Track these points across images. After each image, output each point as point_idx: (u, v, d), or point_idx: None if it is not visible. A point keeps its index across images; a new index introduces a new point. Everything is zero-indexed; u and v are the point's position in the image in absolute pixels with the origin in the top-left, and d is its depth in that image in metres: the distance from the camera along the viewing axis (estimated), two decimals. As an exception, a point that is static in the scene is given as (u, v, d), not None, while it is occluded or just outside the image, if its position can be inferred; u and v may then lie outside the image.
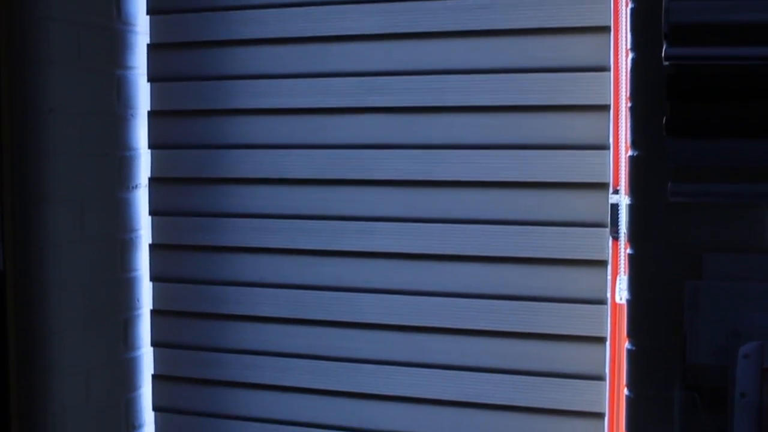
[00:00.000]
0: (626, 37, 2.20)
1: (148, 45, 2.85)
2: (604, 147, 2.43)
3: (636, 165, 2.12)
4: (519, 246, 2.52)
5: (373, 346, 2.67)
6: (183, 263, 2.86)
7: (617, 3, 2.38)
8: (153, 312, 2.91)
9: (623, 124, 2.32)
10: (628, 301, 2.16)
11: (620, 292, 2.34)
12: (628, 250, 2.14)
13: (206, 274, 2.83)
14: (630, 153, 2.13)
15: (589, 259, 2.47)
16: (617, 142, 2.38)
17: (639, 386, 2.15)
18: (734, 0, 1.95)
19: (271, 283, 2.76)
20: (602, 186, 2.44)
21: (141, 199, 2.88)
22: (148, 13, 2.85)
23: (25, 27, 2.54)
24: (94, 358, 2.73)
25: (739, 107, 1.97)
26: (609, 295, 2.44)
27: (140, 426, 2.91)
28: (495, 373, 2.56)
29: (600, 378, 2.48)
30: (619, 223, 2.34)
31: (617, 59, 2.38)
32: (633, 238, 2.13)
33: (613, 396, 2.44)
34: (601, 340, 2.47)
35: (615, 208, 2.38)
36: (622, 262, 2.31)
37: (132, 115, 2.83)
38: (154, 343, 2.91)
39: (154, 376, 2.92)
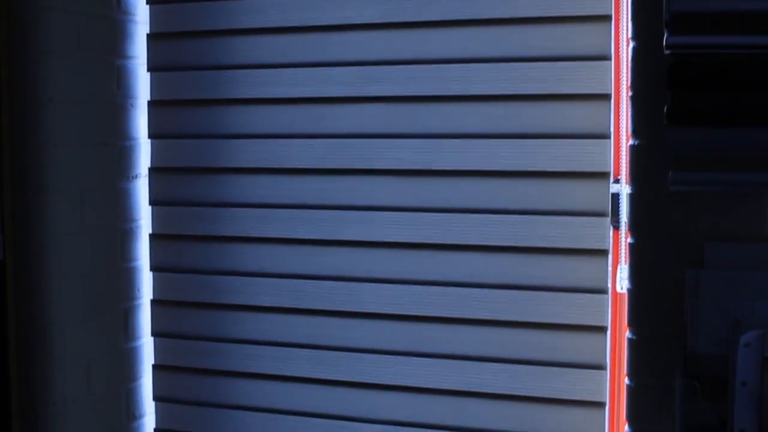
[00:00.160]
0: (627, 25, 2.19)
1: (147, 34, 2.85)
2: (605, 136, 2.43)
3: (637, 154, 2.12)
4: (520, 235, 2.52)
5: (373, 335, 2.67)
6: (183, 253, 2.86)
7: (618, -8, 2.38)
8: (153, 302, 2.91)
9: (624, 113, 2.31)
10: (629, 291, 2.15)
11: (621, 281, 2.33)
12: (629, 240, 2.14)
13: (206, 263, 2.83)
14: (631, 142, 2.12)
15: (590, 248, 2.47)
16: (618, 131, 2.38)
17: (640, 375, 2.14)
18: (735, -11, 1.95)
19: (271, 272, 2.76)
20: (603, 175, 2.44)
21: (141, 189, 2.87)
22: (147, 3, 2.84)
23: (25, 17, 2.53)
24: (94, 348, 2.73)
25: (740, 96, 1.97)
26: (610, 284, 2.44)
27: (141, 416, 2.91)
28: (495, 363, 2.56)
29: (601, 367, 2.48)
30: (620, 213, 2.34)
31: (618, 48, 2.37)
32: (634, 228, 2.13)
33: (613, 385, 2.44)
34: (601, 329, 2.47)
35: (616, 197, 2.38)
36: (623, 251, 2.31)
37: (132, 105, 2.83)
38: (154, 333, 2.91)
39: (154, 366, 2.92)
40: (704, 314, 2.01)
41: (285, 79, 2.70)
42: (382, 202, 2.63)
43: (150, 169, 2.87)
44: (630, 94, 2.12)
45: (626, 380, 2.18)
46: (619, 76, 2.36)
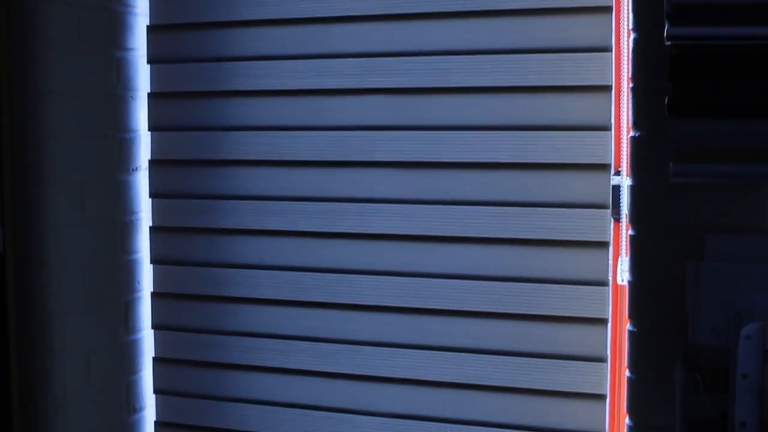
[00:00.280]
0: (628, 17, 2.18)
1: (147, 26, 2.84)
2: (606, 128, 2.42)
3: (637, 146, 2.11)
4: (520, 227, 2.51)
5: (373, 328, 2.67)
6: (183, 245, 2.85)
7: (619, -17, 2.37)
8: (153, 294, 2.91)
9: (625, 105, 2.31)
10: (630, 283, 2.15)
11: (621, 273, 2.33)
12: (630, 232, 2.13)
13: (207, 256, 2.83)
14: (631, 134, 2.12)
15: (591, 240, 2.47)
16: (619, 123, 2.37)
17: (640, 367, 2.14)
18: (736, -21, 1.95)
19: (271, 265, 2.76)
20: (604, 167, 2.43)
21: (141, 181, 2.87)
22: (147, -5, 2.84)
23: (25, 8, 2.53)
24: (94, 340, 2.73)
25: (741, 87, 1.96)
26: (610, 276, 2.44)
27: (141, 408, 2.91)
28: (495, 355, 2.56)
29: (601, 359, 2.47)
30: (621, 205, 2.33)
31: (619, 39, 2.36)
32: (634, 220, 2.13)
33: (614, 377, 2.44)
34: (602, 321, 2.47)
35: (616, 189, 2.37)
36: (624, 243, 2.30)
37: (132, 97, 2.82)
38: (154, 326, 2.91)
39: (154, 359, 2.92)
40: (705, 306, 2.00)
41: (285, 70, 2.70)
42: (382, 194, 2.63)
43: (150, 162, 2.87)
44: (631, 85, 2.12)
45: (627, 372, 2.18)
46: (620, 67, 2.35)
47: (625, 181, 2.27)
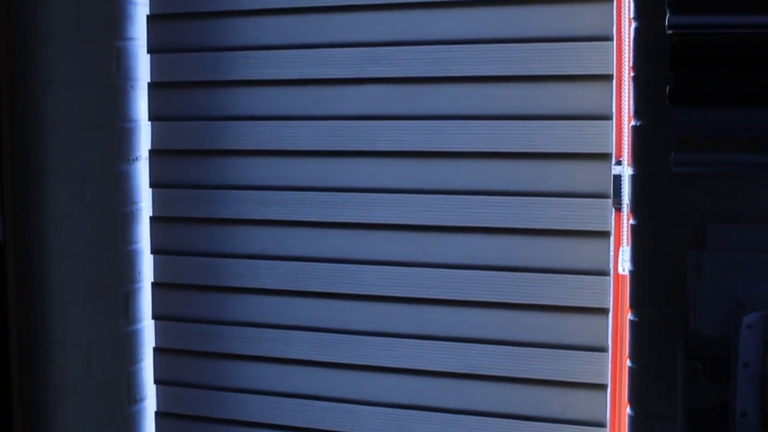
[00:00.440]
0: (629, 5, 2.18)
1: (147, 16, 2.84)
2: (607, 117, 2.42)
3: (639, 135, 2.10)
4: (521, 217, 2.51)
5: (374, 317, 2.67)
6: (184, 236, 2.85)
7: (620, -28, 2.37)
8: (154, 285, 2.91)
9: (626, 94, 2.30)
10: (631, 272, 2.15)
11: (623, 263, 2.32)
12: (631, 221, 2.13)
13: (207, 246, 2.83)
14: (633, 123, 2.11)
15: (592, 230, 2.46)
16: (620, 112, 2.37)
17: (641, 357, 2.14)
18: (738, -32, 1.94)
19: (272, 255, 2.76)
20: (605, 156, 2.43)
21: (141, 171, 2.87)
22: (147, -16, 2.84)
23: (25, -2, 2.53)
24: (95, 331, 2.73)
25: (743, 76, 1.95)
26: (611, 266, 2.44)
27: (142, 399, 2.91)
28: (497, 345, 2.56)
29: (602, 349, 2.47)
30: (622, 194, 2.33)
31: (620, 28, 2.36)
32: (636, 209, 2.12)
33: (615, 367, 2.44)
34: (603, 311, 2.47)
35: (617, 178, 2.37)
36: (625, 232, 2.30)
37: (132, 87, 2.82)
38: (155, 316, 2.91)
39: (155, 349, 2.92)
40: (706, 296, 2.00)
41: (286, 60, 2.69)
42: (384, 183, 2.62)
43: (150, 152, 2.87)
44: (632, 74, 2.11)
45: (628, 362, 2.17)
46: (621, 56, 2.35)
47: (626, 171, 2.26)
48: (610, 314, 2.45)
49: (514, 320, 2.54)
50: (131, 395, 2.87)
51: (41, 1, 2.53)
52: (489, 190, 2.54)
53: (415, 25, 2.57)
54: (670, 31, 1.97)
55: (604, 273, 2.46)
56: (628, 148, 2.20)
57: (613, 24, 2.40)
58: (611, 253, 2.44)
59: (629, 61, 2.16)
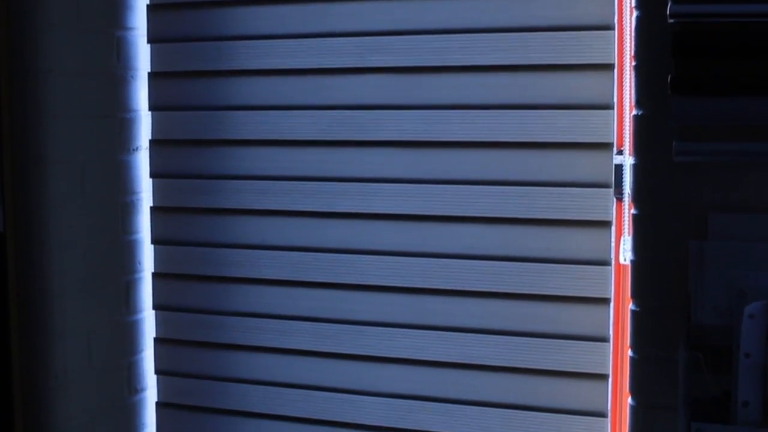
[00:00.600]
0: (631, -6, 2.18)
1: (147, 5, 2.83)
2: (608, 106, 2.42)
3: (640, 124, 2.10)
4: (522, 207, 2.51)
5: (375, 308, 2.67)
6: (184, 226, 2.85)
7: (621, -39, 2.36)
8: (154, 275, 2.90)
9: (627, 83, 2.30)
10: (632, 262, 2.14)
11: (624, 252, 2.32)
12: (633, 211, 2.12)
13: (208, 236, 2.82)
14: (634, 112, 2.11)
15: (593, 219, 2.46)
16: (621, 102, 2.36)
17: (643, 347, 2.13)
18: (740, -44, 1.93)
19: (272, 245, 2.75)
20: (606, 146, 2.43)
21: (142, 161, 2.86)
22: (147, -26, 2.83)
23: (24, -13, 2.53)
24: (95, 321, 2.73)
25: (745, 65, 1.95)
26: (613, 255, 2.43)
27: (142, 389, 2.91)
28: (498, 335, 2.56)
29: (604, 339, 2.47)
30: (624, 184, 2.32)
31: (622, 17, 2.35)
32: (637, 199, 2.12)
33: (616, 357, 2.44)
34: (604, 301, 2.46)
35: (619, 168, 2.36)
36: (626, 222, 2.30)
37: (132, 77, 2.81)
38: (155, 306, 2.91)
39: (155, 340, 2.92)
40: (708, 285, 1.99)
41: (286, 49, 2.69)
42: (384, 173, 2.62)
43: (150, 142, 2.86)
44: (634, 63, 2.10)
45: (629, 352, 2.17)
46: (623, 45, 2.34)
47: (627, 160, 2.26)
48: (612, 304, 2.45)
49: (515, 310, 2.54)
50: (132, 385, 2.87)
51: (41, -10, 2.54)
52: (489, 180, 2.53)
53: (415, 14, 2.57)
54: (671, 20, 1.97)
55: (606, 263, 2.45)
56: (629, 138, 2.20)
57: (614, 13, 2.39)
58: (612, 243, 2.44)
59: (631, 50, 2.15)
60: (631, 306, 2.15)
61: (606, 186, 2.43)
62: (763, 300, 1.92)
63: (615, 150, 2.41)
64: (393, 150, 2.61)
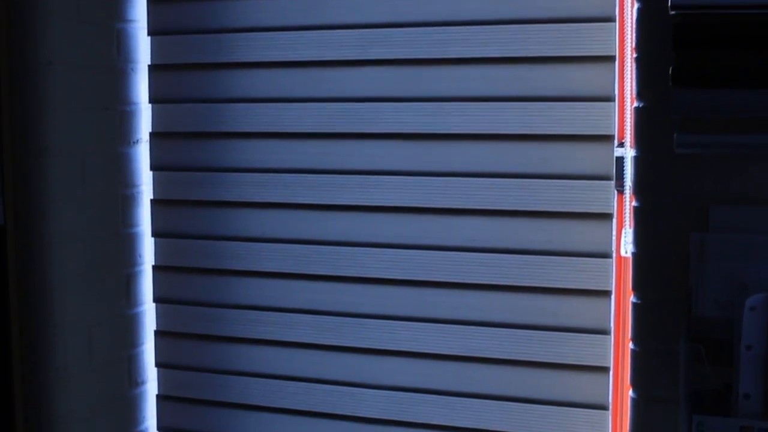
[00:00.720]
0: (632, -14, 2.17)
1: (147, -2, 2.83)
2: (609, 99, 2.41)
3: (642, 116, 2.09)
4: (523, 199, 2.50)
5: (375, 300, 2.66)
6: (185, 218, 2.85)
7: (622, -48, 2.35)
8: (155, 267, 2.90)
9: (628, 75, 2.29)
10: (634, 255, 2.14)
11: (625, 245, 2.32)
12: (634, 203, 2.12)
13: (208, 229, 2.82)
14: (635, 104, 2.10)
15: (594, 212, 2.45)
16: (622, 94, 2.36)
17: (644, 340, 2.13)
18: (742, -53, 1.93)
19: (273, 238, 2.75)
20: (607, 138, 2.42)
21: (142, 154, 2.86)
22: (147, -34, 2.82)
23: (24, -21, 2.52)
24: (95, 314, 2.72)
25: (746, 56, 1.94)
26: (614, 248, 2.43)
27: (143, 382, 2.90)
28: (498, 328, 2.55)
29: (605, 332, 2.47)
30: (624, 176, 2.32)
31: (623, 9, 2.35)
32: (638, 191, 2.11)
33: (617, 350, 2.43)
34: (606, 293, 2.46)
35: (620, 160, 2.36)
36: (627, 215, 2.29)
37: (132, 69, 2.81)
38: (156, 299, 2.91)
39: (156, 332, 2.92)
40: (709, 278, 1.99)
41: (286, 42, 2.68)
42: (384, 166, 2.62)
43: (151, 134, 2.86)
44: (635, 55, 2.10)
45: (630, 345, 2.17)
46: (624, 37, 2.34)
47: (628, 152, 2.25)
48: (613, 297, 2.45)
49: (516, 303, 2.54)
50: (132, 378, 2.86)
51: (41, -18, 2.53)
52: (490, 172, 2.53)
53: (415, 6, 2.56)
54: (673, 12, 1.96)
55: (607, 255, 2.45)
56: (630, 130, 2.19)
57: (615, 4, 2.38)
58: (614, 236, 2.44)
59: (632, 42, 2.15)
60: (632, 298, 2.15)
61: (607, 178, 2.43)
62: (764, 292, 1.92)
63: (616, 142, 2.40)
64: (393, 142, 2.61)
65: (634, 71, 2.11)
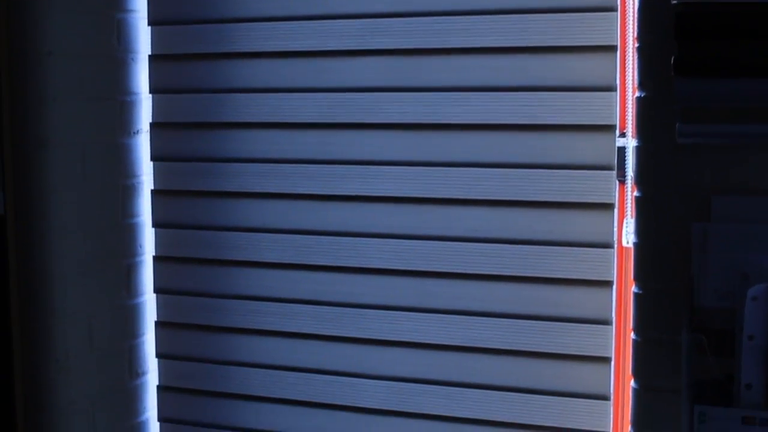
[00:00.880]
0: (634, -25, 2.17)
1: (147, -13, 2.82)
2: (611, 88, 2.40)
3: (643, 106, 2.09)
4: (524, 189, 2.50)
5: (377, 291, 2.66)
6: (185, 209, 2.84)
7: (624, -59, 2.35)
8: (155, 258, 2.90)
9: (630, 65, 2.29)
10: (635, 245, 2.14)
11: (627, 235, 2.32)
12: (636, 193, 2.12)
13: (209, 219, 2.82)
14: (637, 94, 2.10)
15: (596, 202, 2.45)
16: (624, 84, 2.35)
17: (645, 330, 2.13)
18: (744, -64, 1.92)
19: (273, 228, 2.75)
20: (609, 128, 2.42)
21: (142, 144, 2.85)
22: (147, -44, 2.82)
23: (24, -31, 2.51)
24: (96, 304, 2.72)
25: (748, 46, 1.94)
26: (616, 238, 2.43)
27: (144, 372, 2.90)
28: (500, 318, 2.55)
29: (606, 322, 2.47)
30: (626, 166, 2.31)
31: (624, -2, 2.35)
32: (640, 181, 2.11)
33: (619, 340, 2.43)
34: (607, 283, 2.46)
35: (622, 150, 2.36)
36: (629, 205, 2.29)
37: (132, 59, 2.80)
38: (156, 290, 2.91)
39: (157, 323, 2.92)
40: (711, 268, 1.99)
41: (287, 32, 2.68)
42: (385, 156, 2.61)
43: (151, 124, 2.85)
44: (637, 45, 2.10)
45: (632, 335, 2.17)
46: (626, 26, 2.33)
47: (630, 142, 2.25)
48: (614, 287, 2.45)
49: (518, 293, 2.54)
50: (133, 369, 2.86)
51: (40, -28, 2.53)
52: (491, 163, 2.52)
53: (417, -4, 2.56)
54: (674, 1, 1.96)
55: (608, 245, 2.45)
56: (632, 120, 2.19)
57: (617, -6, 2.38)
58: (615, 226, 2.43)
59: (634, 32, 2.15)
60: (633, 288, 2.15)
61: (609, 168, 2.42)
62: (766, 282, 1.91)
63: (618, 132, 2.40)
64: (394, 132, 2.60)
65: (635, 61, 2.11)
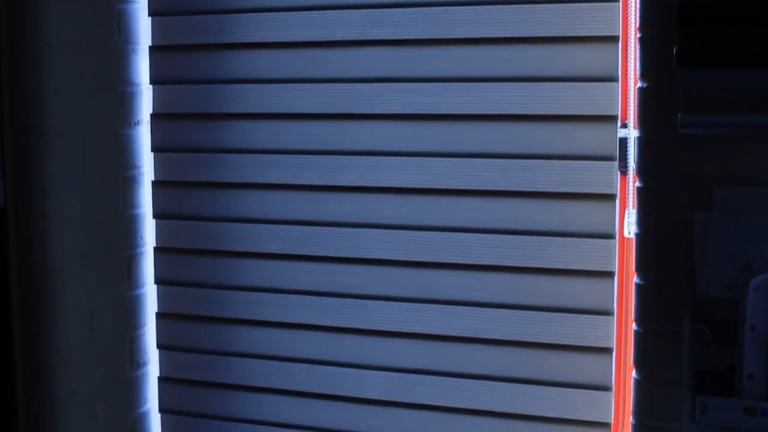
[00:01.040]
0: (636, -35, 2.16)
1: (148, -22, 2.82)
2: (613, 79, 2.40)
3: (645, 97, 2.09)
4: (526, 180, 2.49)
5: (378, 281, 2.66)
6: (186, 200, 2.84)
7: (626, -69, 2.34)
8: (156, 249, 2.90)
9: (632, 55, 2.28)
10: (637, 235, 2.14)
11: (629, 225, 2.32)
12: (637, 184, 2.12)
13: (209, 210, 2.81)
14: (639, 84, 2.10)
15: (598, 192, 2.45)
16: (626, 74, 2.35)
17: (647, 320, 2.13)
18: (746, -74, 1.92)
19: (274, 219, 2.74)
20: (611, 119, 2.41)
21: (143, 135, 2.85)
22: (147, -54, 2.81)
23: (23, -40, 2.51)
24: (97, 296, 2.72)
25: (750, 36, 1.94)
26: (617, 229, 2.42)
27: (145, 364, 2.90)
28: (501, 308, 2.55)
29: (608, 313, 2.46)
30: (628, 157, 2.31)
31: (626, -11, 2.35)
32: (642, 171, 2.11)
33: (621, 330, 2.43)
34: (609, 274, 2.45)
35: (624, 141, 2.36)
36: (631, 195, 2.29)
37: (133, 50, 2.80)
38: (157, 281, 2.91)
39: (157, 314, 2.92)
40: (713, 258, 1.99)
41: (288, 22, 2.67)
42: (387, 146, 2.61)
43: (152, 115, 2.85)
44: (639, 35, 2.10)
45: (634, 326, 2.17)
46: (628, 17, 2.33)
47: (632, 133, 2.25)
48: (616, 277, 2.45)
49: (519, 284, 2.54)
50: (134, 360, 2.86)
51: (40, -37, 2.52)
52: (493, 153, 2.52)
53: (419, -14, 2.56)
54: (677, -9, 1.96)
55: (610, 236, 2.44)
56: (634, 110, 2.19)
57: (619, -16, 2.38)
58: (617, 216, 2.43)
59: (636, 22, 2.14)
60: (635, 279, 2.15)
61: (610, 159, 2.42)
62: (768, 273, 1.92)
63: (619, 123, 2.40)
64: (396, 123, 2.60)
65: (638, 51, 2.11)
